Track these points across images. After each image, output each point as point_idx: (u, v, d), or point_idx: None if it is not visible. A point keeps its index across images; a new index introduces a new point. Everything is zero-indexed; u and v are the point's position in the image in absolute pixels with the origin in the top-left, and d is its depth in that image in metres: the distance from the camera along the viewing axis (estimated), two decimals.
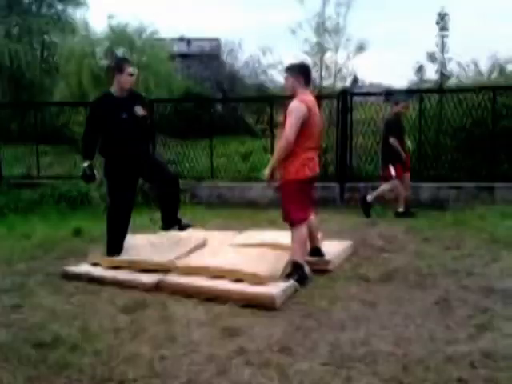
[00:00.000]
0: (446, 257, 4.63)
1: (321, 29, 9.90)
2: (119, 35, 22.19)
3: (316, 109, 4.02)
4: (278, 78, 24.20)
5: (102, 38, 22.44)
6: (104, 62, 22.30)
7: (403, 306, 3.50)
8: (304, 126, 3.88)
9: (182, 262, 4.15)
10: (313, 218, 4.29)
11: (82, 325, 3.23)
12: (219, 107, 14.09)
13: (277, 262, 4.03)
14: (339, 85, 10.05)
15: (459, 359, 2.70)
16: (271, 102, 8.13)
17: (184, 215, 6.65)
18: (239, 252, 4.37)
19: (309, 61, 9.86)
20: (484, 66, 9.26)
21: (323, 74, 9.85)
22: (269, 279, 3.73)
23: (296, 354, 2.81)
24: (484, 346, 2.83)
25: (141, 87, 19.27)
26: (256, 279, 3.71)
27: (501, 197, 6.85)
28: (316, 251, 4.34)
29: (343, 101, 7.46)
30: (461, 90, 8.06)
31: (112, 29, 22.19)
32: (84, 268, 4.32)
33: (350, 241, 5.00)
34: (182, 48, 32.37)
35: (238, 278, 3.78)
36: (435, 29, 9.19)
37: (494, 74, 9.00)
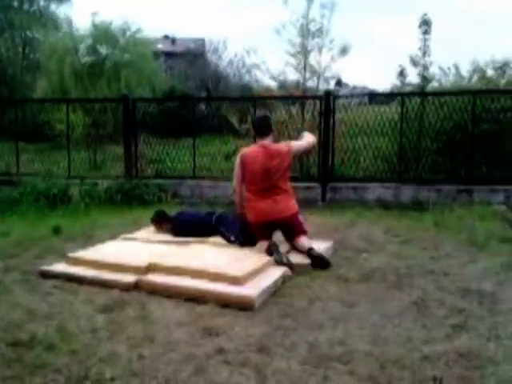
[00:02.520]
0: (424, 258, 4.68)
1: (305, 30, 9.93)
2: (102, 33, 22.05)
3: (261, 155, 4.61)
4: (262, 77, 24.29)
5: (85, 35, 22.26)
6: (87, 59, 22.16)
7: (381, 305, 3.53)
8: (245, 173, 4.67)
9: (158, 263, 4.10)
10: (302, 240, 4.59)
11: (59, 324, 3.19)
12: (203, 106, 14.06)
13: (254, 262, 4.07)
14: (322, 86, 10.10)
15: (435, 358, 2.73)
16: (254, 102, 8.13)
17: None
18: (217, 252, 4.41)
19: (292, 62, 9.93)
20: (465, 70, 9.39)
21: (307, 75, 9.87)
22: (245, 279, 3.73)
23: (274, 354, 2.82)
24: (460, 346, 2.87)
25: (123, 85, 19.23)
26: (231, 279, 3.71)
27: (479, 199, 6.95)
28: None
29: (326, 102, 7.50)
30: (442, 93, 8.15)
31: (95, 26, 22.03)
32: (61, 267, 4.27)
33: (330, 241, 5.03)
34: (166, 46, 32.27)
35: (213, 278, 3.77)
36: (418, 33, 9.30)
37: (475, 78, 9.12)
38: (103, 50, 22.24)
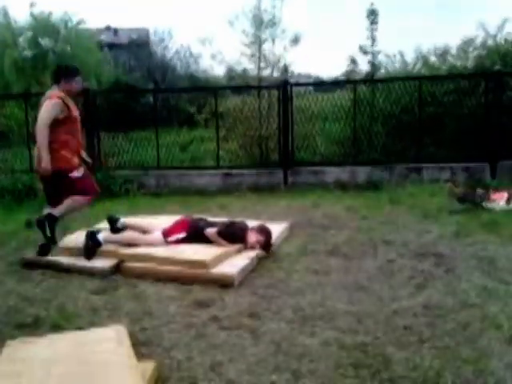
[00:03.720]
0: (383, 230, 5.13)
1: (257, 21, 10.22)
2: (43, 24, 21.39)
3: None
4: (217, 68, 24.30)
5: (25, 27, 21.54)
6: (27, 53, 21.49)
7: (352, 273, 3.94)
8: None
9: (129, 251, 4.31)
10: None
11: (59, 307, 3.40)
12: (150, 98, 14.07)
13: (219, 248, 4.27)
14: (276, 75, 10.45)
15: (404, 312, 3.15)
16: (216, 92, 8.38)
17: (132, 205, 6.87)
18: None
19: (247, 52, 10.21)
20: (409, 58, 9.97)
21: (261, 65, 10.19)
22: (211, 264, 3.92)
23: (264, 318, 3.16)
24: (423, 301, 3.31)
25: None
26: (198, 264, 3.91)
27: (428, 176, 7.53)
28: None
29: (284, 91, 7.85)
30: (390, 79, 8.68)
31: (35, 18, 21.34)
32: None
33: (286, 223, 5.30)
34: (108, 37, 31.59)
35: (182, 263, 3.97)
36: (366, 23, 9.82)
37: (418, 65, 9.72)
38: (45, 42, 21.65)
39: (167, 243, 4.33)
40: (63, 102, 4.49)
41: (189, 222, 4.54)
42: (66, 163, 4.51)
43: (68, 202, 4.53)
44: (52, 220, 4.45)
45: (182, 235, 4.38)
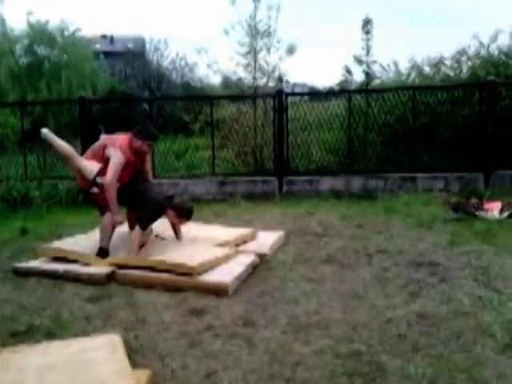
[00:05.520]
0: (378, 239, 5.16)
1: (253, 31, 10.27)
2: (39, 33, 21.41)
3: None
4: (212, 77, 24.45)
5: (21, 36, 21.56)
6: (24, 60, 21.50)
7: (346, 281, 3.95)
8: None
9: (120, 256, 4.32)
10: None
11: (53, 315, 3.39)
12: (146, 106, 14.07)
13: (209, 253, 4.29)
14: (271, 85, 10.48)
15: (398, 320, 3.16)
16: (211, 101, 8.42)
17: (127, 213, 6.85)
18: (180, 245, 4.61)
19: (242, 61, 10.24)
20: (403, 68, 10.05)
21: (257, 74, 10.22)
22: (199, 269, 3.93)
23: (259, 326, 3.16)
24: (417, 309, 3.33)
25: (64, 86, 18.85)
26: (186, 269, 3.91)
27: (422, 185, 7.57)
28: None
29: (279, 100, 7.90)
30: (385, 89, 8.75)
31: (31, 26, 21.38)
32: (34, 264, 4.42)
33: (281, 231, 5.31)
34: (104, 46, 31.67)
35: (170, 268, 3.97)
36: (361, 33, 9.90)
37: (413, 75, 9.80)
38: (41, 50, 21.68)
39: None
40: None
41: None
42: None
43: None
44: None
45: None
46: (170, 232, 4.77)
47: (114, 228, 4.48)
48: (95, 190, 4.45)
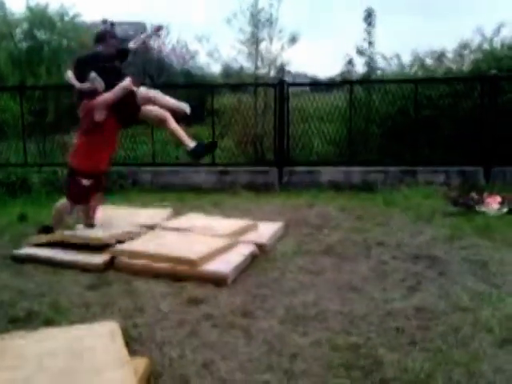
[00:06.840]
0: (377, 231, 5.16)
1: (255, 20, 10.21)
2: (39, 17, 21.22)
3: None
4: (213, 66, 24.32)
5: (21, 19, 21.37)
6: (23, 45, 21.33)
7: (345, 273, 3.95)
8: None
9: (124, 247, 4.31)
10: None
11: (52, 301, 3.39)
12: None
13: (209, 245, 4.25)
14: (273, 74, 10.45)
15: (396, 314, 3.17)
16: (212, 90, 8.38)
17: (126, 201, 6.84)
18: (179, 236, 4.59)
19: (244, 50, 10.20)
20: (406, 60, 9.99)
21: (258, 63, 10.18)
22: (201, 262, 3.91)
23: (256, 317, 3.16)
24: (416, 303, 3.32)
25: (64, 71, 18.70)
26: (188, 262, 3.90)
27: (422, 179, 7.56)
28: None
29: (280, 90, 7.86)
30: (387, 81, 8.70)
31: (31, 9, 21.18)
32: (32, 250, 4.40)
33: (281, 222, 5.30)
34: None
35: (173, 261, 3.95)
36: (363, 24, 9.84)
37: (415, 68, 9.74)
38: (41, 34, 21.50)
39: None
40: None
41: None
42: None
43: None
44: None
45: None
46: (172, 225, 4.80)
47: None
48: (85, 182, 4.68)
